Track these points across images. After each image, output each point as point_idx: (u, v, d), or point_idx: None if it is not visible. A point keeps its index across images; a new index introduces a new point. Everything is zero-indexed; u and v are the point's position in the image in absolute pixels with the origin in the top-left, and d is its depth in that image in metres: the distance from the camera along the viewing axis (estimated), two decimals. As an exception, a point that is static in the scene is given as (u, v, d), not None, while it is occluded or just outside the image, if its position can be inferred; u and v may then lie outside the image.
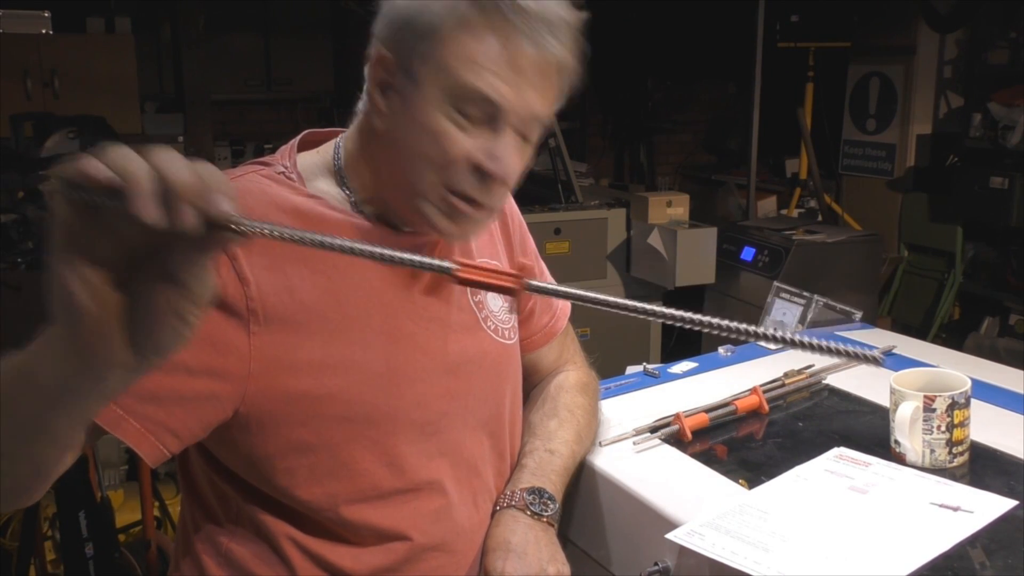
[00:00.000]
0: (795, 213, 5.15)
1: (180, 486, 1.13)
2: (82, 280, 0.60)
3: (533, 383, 1.33)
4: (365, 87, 1.03)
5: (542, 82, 0.97)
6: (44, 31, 4.70)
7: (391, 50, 0.98)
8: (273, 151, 1.12)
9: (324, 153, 1.09)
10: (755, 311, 1.96)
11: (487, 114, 0.96)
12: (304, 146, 1.11)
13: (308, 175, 1.06)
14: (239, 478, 1.04)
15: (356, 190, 1.06)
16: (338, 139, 1.10)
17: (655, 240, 3.72)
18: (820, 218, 4.93)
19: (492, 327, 1.16)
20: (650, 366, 1.59)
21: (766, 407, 1.37)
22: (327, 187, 1.07)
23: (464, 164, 0.97)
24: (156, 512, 2.84)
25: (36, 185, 3.29)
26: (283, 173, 1.04)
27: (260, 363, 0.96)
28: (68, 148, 3.39)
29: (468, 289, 1.13)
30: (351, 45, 6.22)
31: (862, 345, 1.75)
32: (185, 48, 4.56)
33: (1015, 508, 1.07)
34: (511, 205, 1.27)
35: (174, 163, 0.58)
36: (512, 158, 0.98)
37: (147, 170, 0.58)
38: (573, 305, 1.36)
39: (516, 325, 1.22)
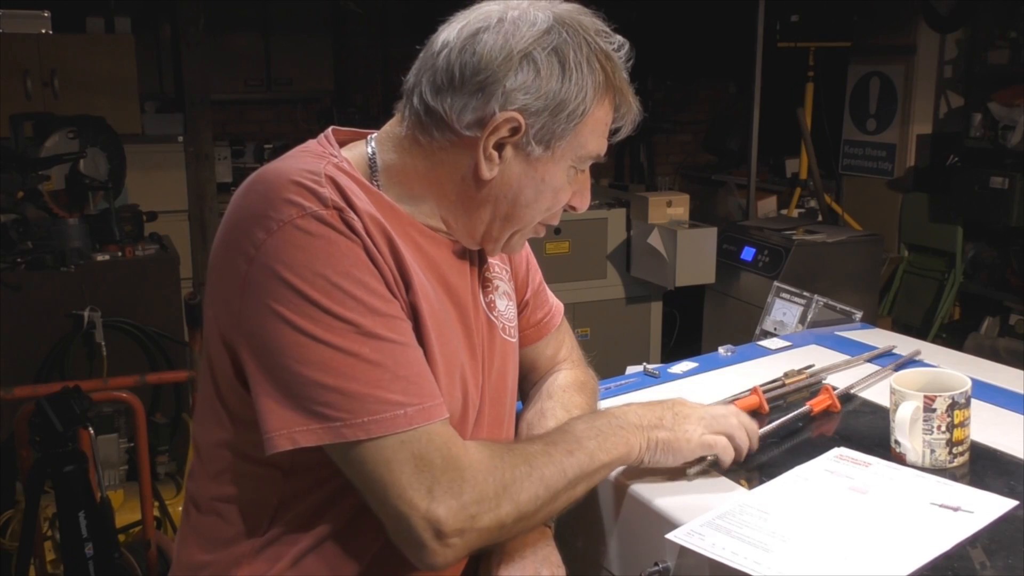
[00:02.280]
0: (795, 213, 5.15)
1: (204, 486, 1.10)
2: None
3: (533, 380, 1.33)
4: (447, 124, 1.03)
5: None
6: (44, 31, 4.70)
7: (528, 118, 1.02)
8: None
9: (357, 154, 1.09)
10: (755, 311, 1.96)
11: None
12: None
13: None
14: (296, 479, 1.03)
15: (392, 197, 1.07)
16: (370, 142, 1.10)
17: (655, 240, 3.72)
18: (820, 218, 4.93)
19: (501, 326, 1.18)
20: (650, 366, 1.59)
21: (766, 407, 1.37)
22: (360, 198, 1.06)
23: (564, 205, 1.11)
24: (156, 512, 2.84)
25: (36, 185, 3.29)
26: (338, 163, 1.04)
27: None
28: (68, 148, 3.39)
29: (481, 290, 1.16)
30: (351, 45, 6.22)
31: (864, 346, 1.75)
32: (185, 48, 4.55)
33: (1015, 508, 1.07)
34: None
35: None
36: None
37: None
38: (574, 306, 1.36)
39: (517, 323, 1.23)
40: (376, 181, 1.07)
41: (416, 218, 1.08)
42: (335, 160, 1.04)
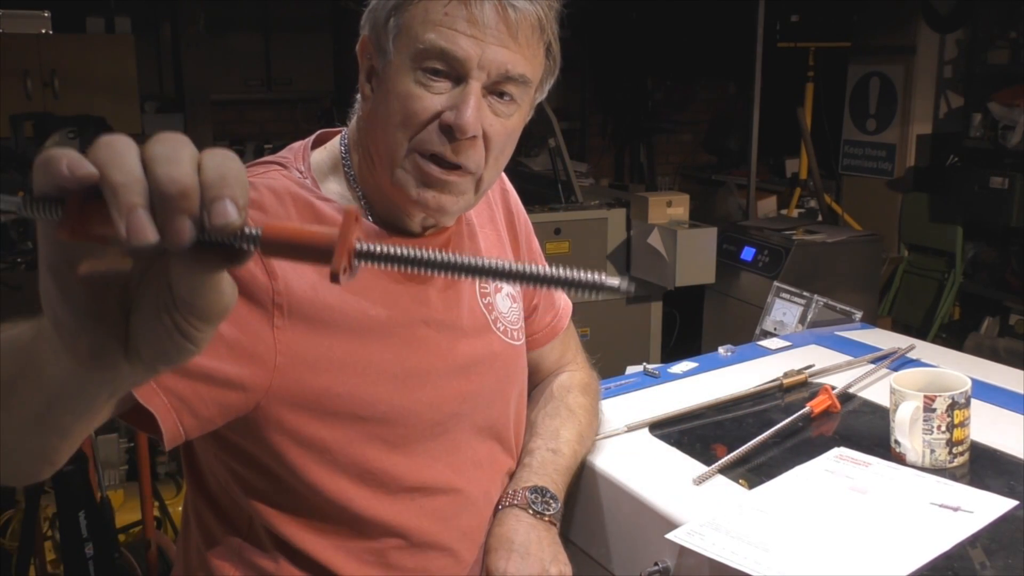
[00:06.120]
0: (795, 213, 5.14)
1: (188, 484, 1.13)
2: (67, 291, 0.52)
3: (535, 382, 1.33)
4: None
5: (509, 38, 0.97)
6: (44, 31, 4.70)
7: (368, 32, 1.02)
8: (273, 151, 1.13)
9: (332, 149, 1.10)
10: (755, 311, 1.96)
11: (452, 71, 0.97)
12: (317, 145, 1.12)
13: (319, 175, 1.07)
14: (244, 473, 1.04)
15: (360, 186, 1.07)
16: (343, 133, 1.12)
17: (655, 240, 3.72)
18: (820, 218, 4.93)
19: (502, 328, 1.17)
20: (650, 366, 1.59)
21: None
22: (336, 187, 1.07)
23: (432, 123, 0.98)
24: (156, 512, 2.84)
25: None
26: (299, 176, 1.05)
27: (284, 357, 0.97)
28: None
29: (478, 291, 1.15)
30: (351, 45, 6.22)
31: (864, 346, 1.74)
32: (185, 48, 4.56)
33: (1015, 508, 1.07)
34: (518, 205, 1.28)
35: (171, 163, 0.47)
36: (473, 110, 0.97)
37: (135, 178, 0.47)
38: (575, 306, 1.36)
39: (523, 326, 1.23)
40: (351, 173, 1.07)
41: (382, 217, 1.07)
42: (287, 171, 1.05)
